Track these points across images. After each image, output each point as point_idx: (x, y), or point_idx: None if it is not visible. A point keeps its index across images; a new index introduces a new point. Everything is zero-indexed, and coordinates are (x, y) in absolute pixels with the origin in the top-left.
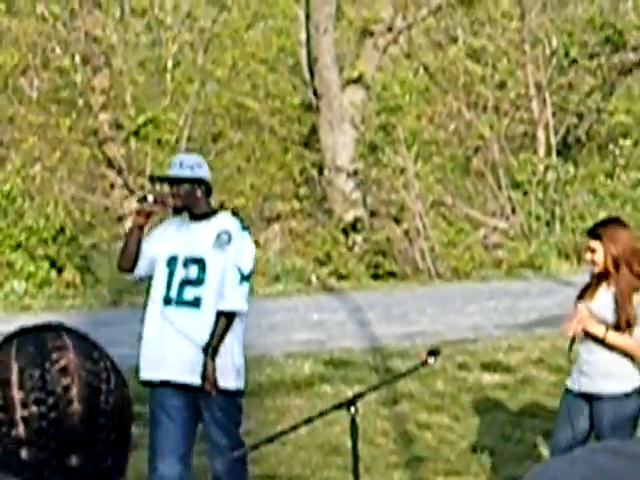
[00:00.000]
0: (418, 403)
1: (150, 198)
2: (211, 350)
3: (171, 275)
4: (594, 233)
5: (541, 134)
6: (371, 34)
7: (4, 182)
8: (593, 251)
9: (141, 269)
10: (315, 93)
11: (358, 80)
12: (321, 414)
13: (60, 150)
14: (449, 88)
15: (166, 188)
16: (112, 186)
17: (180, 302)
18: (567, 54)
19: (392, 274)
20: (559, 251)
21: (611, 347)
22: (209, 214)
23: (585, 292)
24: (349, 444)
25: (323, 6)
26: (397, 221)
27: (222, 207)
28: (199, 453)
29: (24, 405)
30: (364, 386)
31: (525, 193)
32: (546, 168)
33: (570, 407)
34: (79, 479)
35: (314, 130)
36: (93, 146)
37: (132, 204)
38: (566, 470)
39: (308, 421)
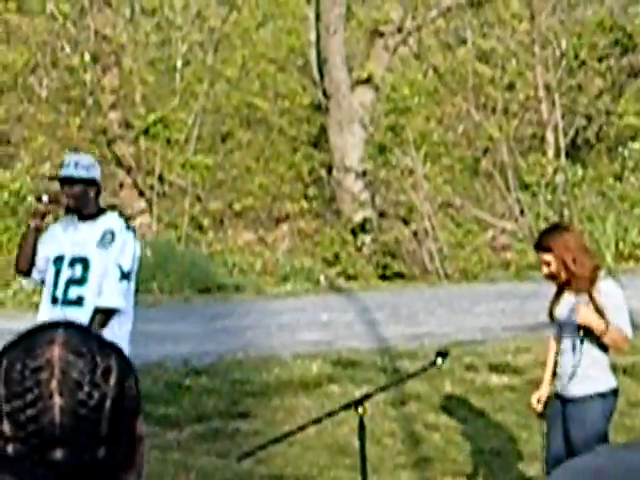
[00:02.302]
0: (426, 404)
1: (45, 198)
2: None
3: (57, 274)
4: (543, 246)
5: (550, 136)
6: (381, 35)
7: (13, 181)
8: (548, 264)
9: (37, 271)
10: (324, 93)
11: (367, 81)
12: (329, 414)
13: (69, 149)
14: (458, 89)
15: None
16: (121, 185)
17: (65, 301)
18: (576, 56)
19: (400, 275)
20: None
21: (583, 348)
22: (96, 214)
23: (554, 305)
24: (357, 444)
25: (333, 6)
26: (406, 222)
27: (112, 207)
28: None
29: (7, 400)
30: (372, 387)
31: (534, 195)
32: (555, 170)
33: (551, 411)
34: (65, 472)
35: (323, 130)
36: (102, 145)
37: (141, 203)
38: (589, 461)
39: (316, 421)
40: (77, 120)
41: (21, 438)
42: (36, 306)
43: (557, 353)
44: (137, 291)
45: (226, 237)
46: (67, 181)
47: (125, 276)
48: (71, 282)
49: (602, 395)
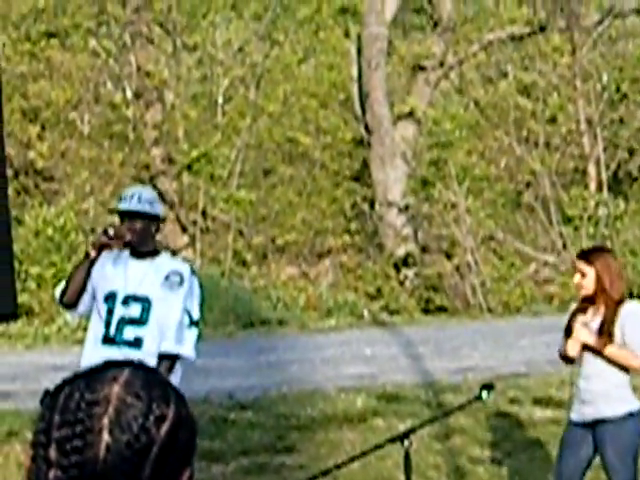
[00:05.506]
0: (470, 438)
1: (111, 232)
2: None
3: (110, 313)
4: (587, 258)
5: (592, 169)
6: (422, 69)
7: (57, 216)
8: (583, 275)
9: (83, 305)
10: (366, 128)
11: (409, 115)
12: (375, 448)
13: (112, 185)
14: (500, 123)
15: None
16: (164, 220)
17: (120, 341)
18: (618, 89)
19: (443, 309)
20: None
21: (606, 371)
22: (152, 253)
23: (574, 317)
24: (401, 478)
25: (374, 41)
26: (448, 256)
27: (164, 248)
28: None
29: (59, 427)
30: (416, 420)
31: (576, 228)
32: (597, 203)
33: (572, 437)
34: None
35: (365, 165)
36: (145, 181)
37: (184, 239)
38: None
39: (361, 455)
40: (120, 156)
41: (63, 466)
42: (80, 342)
43: (579, 376)
44: None
45: (269, 272)
46: (130, 215)
47: (194, 323)
48: (126, 321)
49: (633, 414)
